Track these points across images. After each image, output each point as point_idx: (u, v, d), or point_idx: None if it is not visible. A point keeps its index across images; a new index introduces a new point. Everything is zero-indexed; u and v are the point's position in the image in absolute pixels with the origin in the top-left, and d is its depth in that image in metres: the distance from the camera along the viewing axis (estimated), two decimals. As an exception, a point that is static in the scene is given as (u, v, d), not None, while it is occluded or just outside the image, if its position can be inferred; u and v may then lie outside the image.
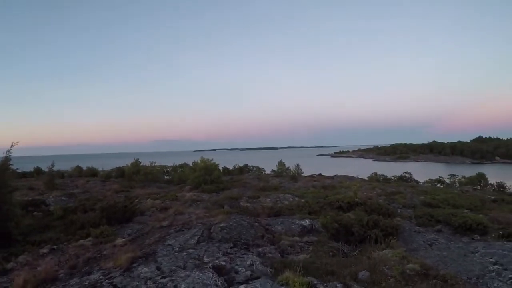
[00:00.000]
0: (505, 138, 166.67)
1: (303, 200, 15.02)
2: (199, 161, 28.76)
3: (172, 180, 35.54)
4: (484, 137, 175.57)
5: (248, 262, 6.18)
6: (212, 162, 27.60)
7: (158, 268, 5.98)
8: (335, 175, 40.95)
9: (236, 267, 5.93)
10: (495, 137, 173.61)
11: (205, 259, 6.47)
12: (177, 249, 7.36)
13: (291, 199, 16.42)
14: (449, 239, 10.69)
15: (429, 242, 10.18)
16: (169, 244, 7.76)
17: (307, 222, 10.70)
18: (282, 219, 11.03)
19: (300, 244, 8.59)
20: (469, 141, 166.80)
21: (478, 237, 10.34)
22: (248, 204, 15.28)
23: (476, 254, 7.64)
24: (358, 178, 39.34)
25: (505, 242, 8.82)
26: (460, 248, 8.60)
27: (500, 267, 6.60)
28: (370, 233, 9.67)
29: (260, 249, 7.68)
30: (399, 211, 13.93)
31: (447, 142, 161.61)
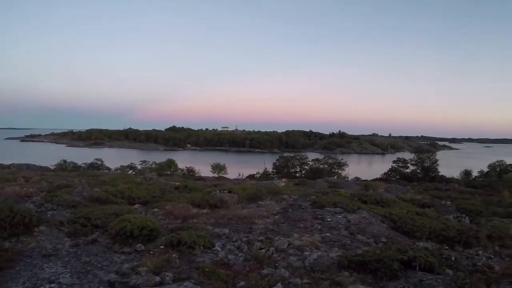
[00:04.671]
0: (196, 129, 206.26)
1: None
2: None
3: None
4: (177, 126, 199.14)
5: None
6: None
7: None
8: (12, 164, 38.81)
9: None
10: (187, 127, 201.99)
11: None
12: None
13: None
14: (98, 262, 7.19)
15: None
16: None
17: None
18: None
19: None
20: (163, 129, 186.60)
21: (142, 247, 8.31)
22: None
23: None
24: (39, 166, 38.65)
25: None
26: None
27: None
28: None
29: None
30: (49, 215, 10.69)
31: (143, 130, 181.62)
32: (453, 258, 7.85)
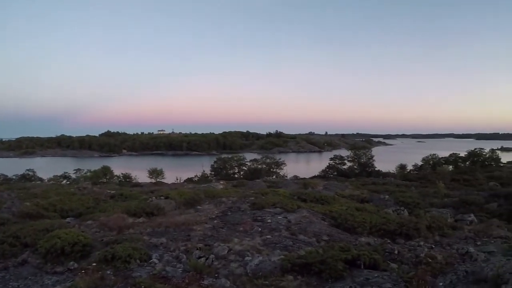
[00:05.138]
0: (132, 133, 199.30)
1: None
2: None
3: None
4: (112, 131, 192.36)
5: None
6: None
7: None
8: None
9: None
10: (122, 132, 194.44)
11: None
12: None
13: None
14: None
15: None
16: None
17: None
18: None
19: None
20: (98, 135, 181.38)
21: (76, 265, 7.84)
22: None
23: None
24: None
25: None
26: None
27: None
28: None
29: None
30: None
31: (76, 136, 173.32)
32: (396, 252, 7.90)
